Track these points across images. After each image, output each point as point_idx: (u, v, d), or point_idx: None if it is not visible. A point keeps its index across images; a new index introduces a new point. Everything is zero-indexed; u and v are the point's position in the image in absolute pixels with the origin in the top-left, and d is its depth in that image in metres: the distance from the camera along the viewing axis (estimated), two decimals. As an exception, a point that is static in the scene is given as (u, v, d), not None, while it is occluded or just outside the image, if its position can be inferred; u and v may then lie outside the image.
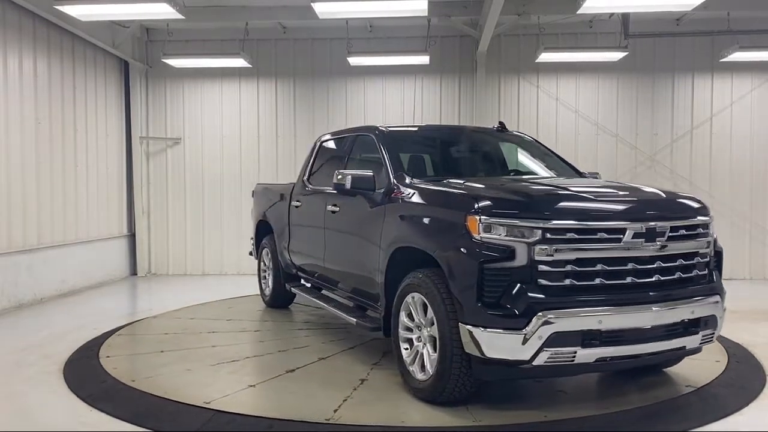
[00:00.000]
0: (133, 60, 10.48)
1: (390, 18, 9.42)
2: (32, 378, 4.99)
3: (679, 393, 4.51)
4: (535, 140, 6.37)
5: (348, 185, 5.00)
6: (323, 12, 7.59)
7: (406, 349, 4.50)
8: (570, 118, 10.46)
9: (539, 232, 3.73)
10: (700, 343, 4.17)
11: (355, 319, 5.29)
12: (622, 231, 3.86)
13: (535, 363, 3.68)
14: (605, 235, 3.83)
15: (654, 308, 3.87)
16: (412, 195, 4.62)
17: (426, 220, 4.37)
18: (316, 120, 10.61)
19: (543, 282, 3.73)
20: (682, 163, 10.34)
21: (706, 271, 4.25)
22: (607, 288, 3.83)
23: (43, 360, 5.47)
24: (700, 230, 4.22)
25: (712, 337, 4.23)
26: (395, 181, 4.89)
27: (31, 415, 4.26)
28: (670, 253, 4.01)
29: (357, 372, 5.04)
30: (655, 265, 3.95)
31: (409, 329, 4.49)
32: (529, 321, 3.63)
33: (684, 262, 4.09)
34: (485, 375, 4.00)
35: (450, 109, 10.56)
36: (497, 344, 3.70)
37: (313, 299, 6.38)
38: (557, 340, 3.65)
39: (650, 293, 3.92)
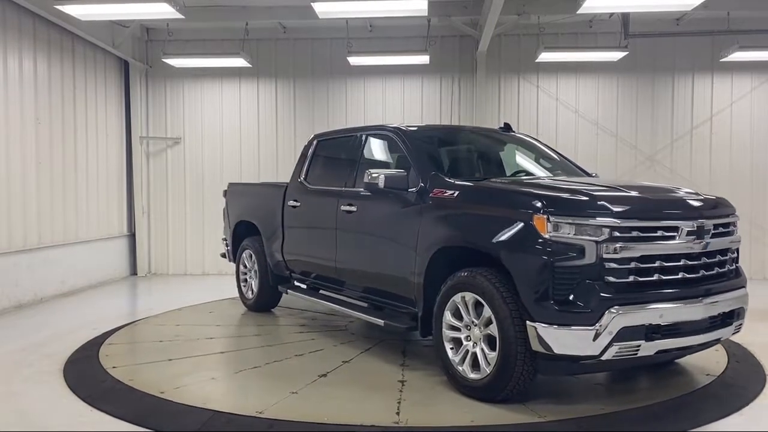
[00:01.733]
0: (133, 60, 10.48)
1: (390, 18, 9.41)
2: (32, 378, 5.00)
3: (678, 393, 4.51)
4: (541, 142, 6.45)
5: (381, 184, 4.91)
6: (323, 12, 7.59)
7: (452, 348, 4.50)
8: (570, 118, 10.45)
9: (607, 230, 3.86)
10: (733, 333, 4.45)
11: (382, 321, 5.21)
12: (677, 229, 4.08)
13: (603, 357, 3.81)
14: (663, 233, 4.04)
15: (703, 301, 4.09)
16: (459, 194, 4.59)
17: (483, 220, 4.34)
18: (316, 119, 10.60)
19: (610, 279, 3.86)
20: (682, 162, 10.34)
21: (734, 266, 4.59)
22: (664, 283, 4.03)
23: (43, 360, 5.47)
24: (732, 227, 4.53)
25: (740, 327, 4.50)
26: (431, 181, 4.85)
27: (30, 415, 4.26)
28: (711, 250, 4.25)
29: (390, 374, 5.00)
30: (700, 261, 4.19)
31: (455, 329, 4.48)
32: (601, 317, 3.75)
33: (720, 258, 4.36)
34: (550, 371, 4.12)
35: (450, 109, 10.55)
36: (568, 341, 3.80)
37: (322, 301, 6.25)
38: (625, 334, 3.79)
39: (698, 287, 4.14)
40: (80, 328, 6.58)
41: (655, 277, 3.99)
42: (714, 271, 4.27)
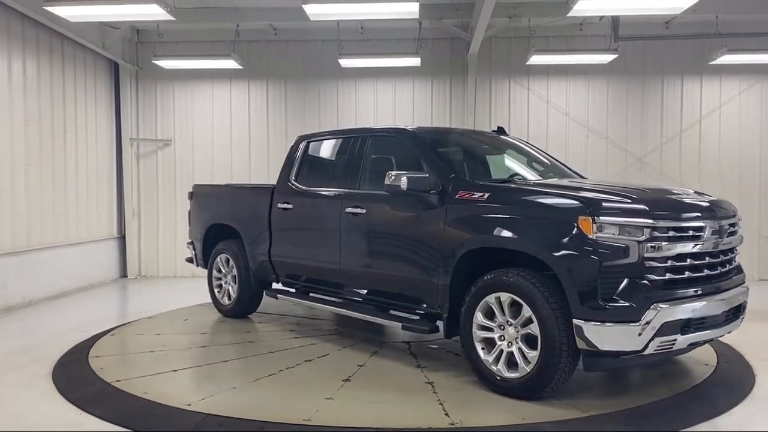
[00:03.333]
0: (123, 61, 10.43)
1: (381, 20, 9.43)
2: (21, 381, 4.96)
3: (668, 393, 4.53)
4: (532, 145, 6.55)
5: (404, 186, 4.89)
6: (314, 14, 7.58)
7: (483, 349, 4.55)
8: (560, 120, 10.50)
9: (648, 231, 4.06)
10: (738, 326, 4.69)
11: (401, 323, 5.22)
12: (703, 229, 4.32)
13: (645, 352, 4.00)
14: (693, 233, 4.27)
15: (723, 296, 4.37)
16: (491, 196, 4.63)
17: (523, 222, 4.39)
18: (307, 122, 10.59)
19: (650, 277, 4.05)
20: (671, 164, 10.40)
21: (737, 262, 4.87)
22: (692, 280, 4.27)
23: (32, 363, 5.43)
24: (737, 227, 4.78)
25: (743, 320, 4.74)
26: (453, 183, 4.88)
27: (20, 418, 4.22)
28: (725, 248, 4.53)
29: (413, 375, 5.00)
30: (718, 259, 4.47)
31: (486, 329, 4.53)
32: (645, 313, 3.94)
33: (730, 255, 4.67)
34: (594, 368, 4.26)
35: (441, 111, 10.57)
36: (614, 337, 3.96)
37: (319, 305, 6.16)
38: (665, 329, 4.00)
39: (717, 283, 4.41)
40: (70, 331, 6.54)
41: (686, 274, 4.22)
42: (726, 268, 4.56)
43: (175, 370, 5.14)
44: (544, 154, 6.37)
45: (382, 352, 5.72)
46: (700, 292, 4.24)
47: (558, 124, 10.50)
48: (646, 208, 4.15)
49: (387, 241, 5.36)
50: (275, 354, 5.68)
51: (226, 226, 7.16)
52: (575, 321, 4.01)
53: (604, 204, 4.16)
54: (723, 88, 10.35)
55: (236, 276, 7.01)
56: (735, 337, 5.26)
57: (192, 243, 7.82)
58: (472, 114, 10.20)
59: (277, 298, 6.65)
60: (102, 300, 8.89)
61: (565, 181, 5.35)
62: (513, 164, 6.01)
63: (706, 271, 4.33)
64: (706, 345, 5.52)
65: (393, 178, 4.96)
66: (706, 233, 4.31)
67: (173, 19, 7.82)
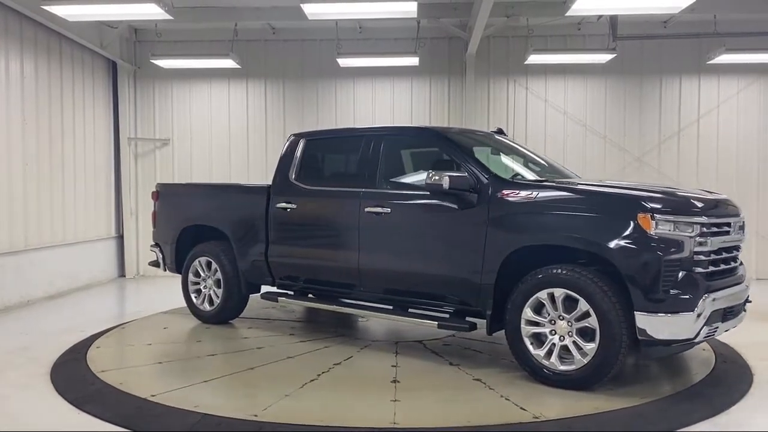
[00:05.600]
0: (121, 61, 10.42)
1: (380, 19, 9.43)
2: (19, 381, 4.96)
3: (666, 393, 4.54)
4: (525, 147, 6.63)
5: (446, 186, 4.93)
6: (312, 13, 7.58)
7: (532, 344, 4.69)
8: (559, 120, 10.50)
9: (698, 227, 4.37)
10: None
11: (437, 323, 5.25)
12: (731, 225, 4.70)
13: (696, 339, 4.34)
14: (725, 228, 4.63)
15: (742, 287, 4.78)
16: (540, 195, 4.77)
17: (579, 219, 4.58)
18: (305, 121, 10.58)
19: (699, 269, 4.36)
20: (669, 164, 10.41)
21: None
22: (722, 273, 4.63)
23: (30, 363, 5.43)
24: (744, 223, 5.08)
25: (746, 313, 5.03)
26: (493, 182, 4.97)
27: (17, 418, 4.22)
28: (739, 243, 4.90)
29: (457, 374, 5.02)
30: (735, 254, 4.85)
31: (535, 324, 4.67)
32: (698, 303, 4.25)
33: (741, 251, 5.03)
34: (650, 356, 4.66)
35: (439, 111, 10.58)
36: (672, 326, 4.25)
37: (333, 307, 6.06)
38: (712, 317, 4.36)
39: (736, 275, 4.81)
40: (68, 331, 6.53)
41: (720, 267, 4.59)
42: (738, 262, 4.94)
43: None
44: (539, 155, 6.43)
45: (405, 352, 5.65)
46: (729, 282, 4.62)
47: (556, 124, 10.50)
48: (696, 206, 4.49)
49: (417, 240, 5.36)
50: (307, 357, 5.53)
51: (206, 227, 6.83)
52: (637, 313, 4.24)
53: (661, 202, 4.44)
54: (721, 88, 10.36)
55: (221, 280, 6.64)
56: (733, 336, 5.28)
57: (158, 246, 7.37)
58: (470, 113, 10.20)
59: (277, 301, 6.46)
60: (100, 300, 8.89)
61: (596, 181, 5.61)
62: (513, 164, 6.02)
63: (731, 264, 4.76)
64: (705, 344, 5.56)
65: (435, 177, 4.99)
66: (734, 229, 4.72)
67: (171, 18, 7.81)
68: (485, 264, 4.88)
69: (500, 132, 6.61)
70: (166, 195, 7.38)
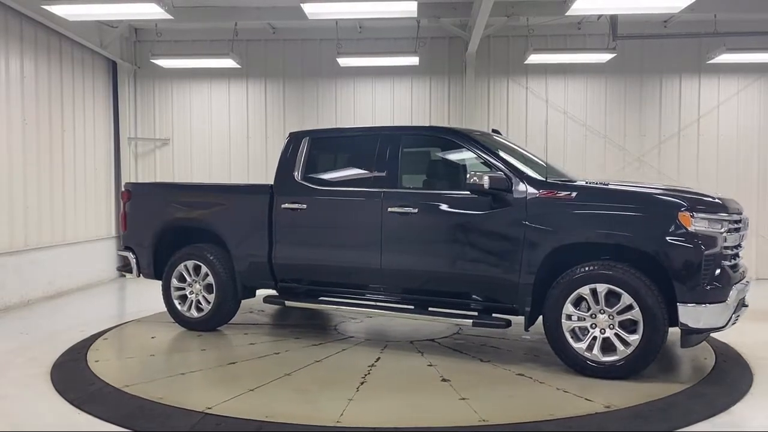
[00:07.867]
0: (121, 60, 10.42)
1: (380, 19, 9.43)
2: (19, 381, 4.96)
3: (666, 392, 4.53)
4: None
5: (487, 186, 5.06)
6: (312, 12, 7.58)
7: (573, 337, 4.88)
8: (559, 119, 10.50)
9: (726, 224, 4.75)
10: None
11: (471, 320, 5.33)
12: (742, 222, 5.03)
13: (726, 327, 4.71)
14: (739, 225, 4.95)
15: (746, 280, 5.06)
16: (578, 195, 4.99)
17: (621, 218, 4.82)
18: (305, 121, 10.58)
19: (725, 263, 4.74)
20: (669, 163, 10.41)
21: None
22: (736, 266, 4.96)
23: (30, 363, 5.43)
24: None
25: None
26: (528, 182, 5.13)
27: (17, 418, 4.22)
28: (743, 240, 5.18)
29: (495, 371, 5.07)
30: (742, 249, 5.15)
31: (576, 318, 4.87)
32: (729, 293, 4.64)
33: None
34: (689, 344, 4.83)
35: (440, 110, 10.57)
36: (710, 316, 4.60)
37: (354, 308, 5.97)
38: (738, 306, 4.77)
39: (741, 269, 5.08)
40: (68, 331, 6.53)
41: (736, 261, 4.97)
42: (741, 258, 5.22)
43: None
44: (534, 154, 6.43)
45: (429, 352, 5.61)
46: (741, 275, 4.95)
47: (556, 123, 10.50)
48: (724, 205, 4.83)
49: (446, 240, 5.40)
50: (333, 360, 5.44)
51: (194, 229, 6.57)
52: (680, 305, 4.56)
53: (697, 201, 4.77)
54: (721, 87, 10.36)
55: (214, 284, 6.32)
56: (733, 336, 5.29)
57: (131, 250, 6.93)
58: (470, 113, 10.20)
59: (284, 305, 6.25)
60: (100, 300, 8.88)
61: (625, 182, 5.88)
62: (532, 163, 6.05)
63: (740, 258, 5.11)
64: (704, 343, 5.57)
65: (475, 177, 5.08)
66: (744, 226, 5.07)
67: (171, 18, 7.82)
68: (524, 262, 5.03)
69: (496, 133, 6.65)
70: (138, 196, 7.00)
